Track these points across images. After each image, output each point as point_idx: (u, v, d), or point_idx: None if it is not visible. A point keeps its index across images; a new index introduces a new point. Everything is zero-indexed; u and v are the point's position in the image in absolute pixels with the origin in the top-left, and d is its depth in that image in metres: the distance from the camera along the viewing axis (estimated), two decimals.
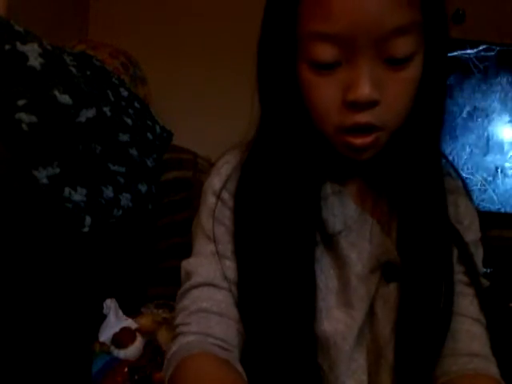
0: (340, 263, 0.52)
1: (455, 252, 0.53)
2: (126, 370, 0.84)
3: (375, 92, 0.43)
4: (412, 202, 0.51)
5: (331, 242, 0.52)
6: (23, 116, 0.82)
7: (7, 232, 0.74)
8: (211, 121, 1.64)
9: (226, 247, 0.53)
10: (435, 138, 0.52)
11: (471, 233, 0.56)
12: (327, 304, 0.51)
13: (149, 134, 1.16)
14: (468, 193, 0.57)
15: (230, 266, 0.52)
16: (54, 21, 1.45)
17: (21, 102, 0.82)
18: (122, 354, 0.89)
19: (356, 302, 0.51)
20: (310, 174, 0.51)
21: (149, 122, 1.19)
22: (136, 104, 1.16)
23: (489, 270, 1.43)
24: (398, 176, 0.52)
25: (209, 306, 0.51)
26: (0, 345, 0.71)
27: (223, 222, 0.53)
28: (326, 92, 0.45)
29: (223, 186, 0.54)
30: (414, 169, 0.51)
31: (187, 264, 0.54)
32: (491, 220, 1.52)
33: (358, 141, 0.45)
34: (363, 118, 0.44)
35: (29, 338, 0.75)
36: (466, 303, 0.53)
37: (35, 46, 0.88)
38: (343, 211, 0.52)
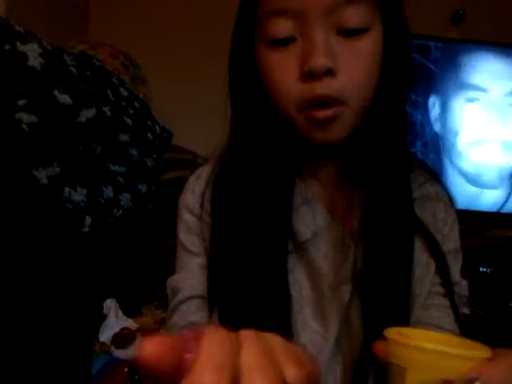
0: (313, 274, 0.51)
1: (433, 263, 0.52)
2: (126, 369, 0.84)
3: (329, 61, 0.44)
4: (380, 209, 0.50)
5: (303, 253, 0.51)
6: (23, 116, 0.82)
7: (7, 232, 0.74)
8: (211, 121, 1.64)
9: (206, 260, 0.53)
10: (399, 133, 0.51)
11: (450, 241, 0.55)
12: (303, 316, 0.50)
13: (149, 134, 1.16)
14: (450, 198, 0.56)
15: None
16: (54, 21, 1.45)
17: (21, 102, 0.82)
18: (122, 354, 0.89)
19: (330, 313, 0.51)
20: (281, 181, 0.51)
21: (149, 122, 1.19)
22: (136, 104, 1.16)
23: (489, 270, 1.43)
24: (368, 182, 0.51)
25: (198, 318, 0.51)
26: (0, 345, 0.71)
27: (204, 237, 0.54)
28: (283, 68, 0.46)
29: (201, 203, 0.54)
30: (382, 171, 0.50)
31: (172, 281, 0.55)
32: (491, 220, 1.52)
33: (320, 113, 0.45)
34: (321, 89, 0.44)
35: (29, 338, 0.75)
36: (442, 315, 0.52)
37: (35, 46, 0.88)
38: (313, 220, 0.52)
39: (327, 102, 0.45)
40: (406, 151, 0.53)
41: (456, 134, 1.50)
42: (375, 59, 0.46)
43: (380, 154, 0.50)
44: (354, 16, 0.44)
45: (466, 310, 0.54)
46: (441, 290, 0.52)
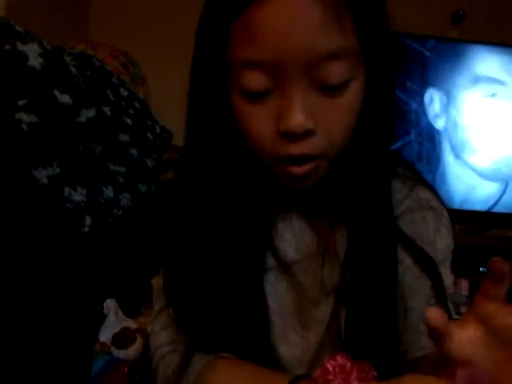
0: (295, 289, 0.51)
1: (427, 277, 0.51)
2: (126, 370, 0.84)
3: (309, 121, 0.40)
4: (359, 223, 0.49)
5: (285, 268, 0.51)
6: (23, 116, 0.82)
7: (7, 232, 0.74)
8: None
9: None
10: (382, 158, 0.50)
11: (441, 252, 0.53)
12: (283, 328, 0.50)
13: (149, 134, 1.16)
14: (441, 202, 0.55)
15: None
16: (54, 21, 1.45)
17: (21, 102, 0.82)
18: (122, 354, 0.89)
19: (312, 325, 0.51)
20: (261, 203, 0.50)
21: (149, 122, 1.19)
22: (136, 104, 1.16)
23: None
24: (346, 196, 0.50)
25: None
26: (0, 345, 0.71)
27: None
28: (259, 122, 0.42)
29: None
30: (359, 189, 0.49)
31: (160, 281, 0.54)
32: (493, 220, 1.52)
33: (296, 169, 0.43)
34: (298, 149, 0.41)
35: (29, 338, 0.75)
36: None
37: (35, 46, 0.88)
38: (295, 237, 0.51)
39: (303, 159, 0.43)
40: (385, 175, 0.51)
41: (470, 129, 1.49)
42: (356, 111, 0.43)
43: (359, 172, 0.49)
44: (335, 73, 0.40)
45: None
46: (433, 301, 0.51)
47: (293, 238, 0.51)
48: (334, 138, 0.43)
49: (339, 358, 0.37)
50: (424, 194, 0.54)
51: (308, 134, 0.41)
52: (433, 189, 0.55)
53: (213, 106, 0.46)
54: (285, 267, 0.51)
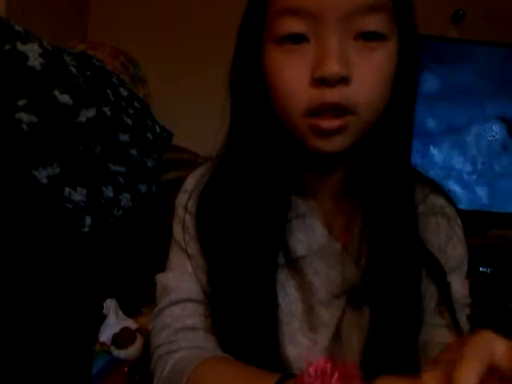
0: (304, 288, 0.51)
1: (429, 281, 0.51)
2: (126, 370, 0.84)
3: (344, 68, 0.41)
4: (384, 225, 0.49)
5: (295, 267, 0.51)
6: (23, 116, 0.82)
7: (7, 232, 0.74)
8: (211, 121, 1.64)
9: (200, 262, 0.53)
10: (406, 147, 0.50)
11: (453, 259, 0.53)
12: (291, 328, 0.50)
13: (149, 134, 1.15)
14: (456, 210, 0.55)
15: (206, 280, 0.52)
16: (54, 21, 1.45)
17: (21, 102, 0.82)
18: (122, 354, 0.89)
19: (320, 327, 0.50)
20: (277, 195, 0.50)
21: (149, 122, 1.19)
22: (136, 104, 1.16)
23: (489, 270, 1.43)
24: (370, 196, 0.50)
25: (194, 323, 0.51)
26: (0, 345, 0.71)
27: (196, 237, 0.53)
28: (293, 70, 0.43)
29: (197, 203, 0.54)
30: (385, 186, 0.49)
31: (165, 279, 0.54)
32: (493, 220, 1.52)
33: (326, 123, 0.43)
34: (331, 97, 0.42)
35: (29, 338, 0.75)
36: (439, 334, 0.51)
37: (35, 46, 0.88)
38: (307, 236, 0.51)
39: (336, 110, 0.43)
40: (410, 167, 0.51)
41: None
42: (389, 72, 0.44)
43: (383, 168, 0.49)
44: (372, 22, 0.42)
45: (466, 311, 0.54)
46: (438, 307, 0.51)
47: (305, 236, 0.51)
48: (367, 93, 0.43)
49: (321, 362, 0.38)
50: (438, 200, 0.54)
51: (343, 80, 0.41)
52: (448, 196, 0.55)
53: (248, 72, 0.48)
54: (295, 266, 0.51)
